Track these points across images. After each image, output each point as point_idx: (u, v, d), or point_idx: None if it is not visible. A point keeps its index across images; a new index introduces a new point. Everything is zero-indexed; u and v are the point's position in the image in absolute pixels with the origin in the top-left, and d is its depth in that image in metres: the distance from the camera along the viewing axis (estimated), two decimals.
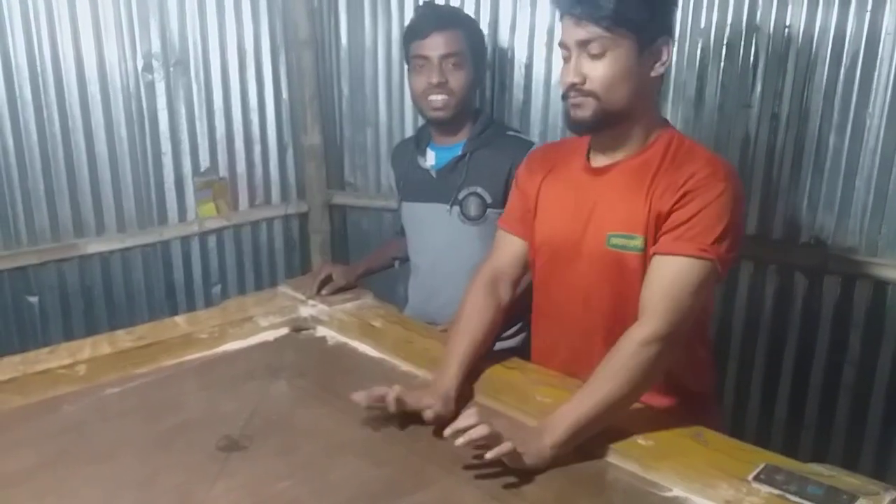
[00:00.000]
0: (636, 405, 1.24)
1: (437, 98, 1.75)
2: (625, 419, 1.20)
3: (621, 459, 1.13)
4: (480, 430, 1.07)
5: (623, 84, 1.23)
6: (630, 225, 1.27)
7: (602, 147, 1.34)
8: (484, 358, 1.41)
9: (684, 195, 1.22)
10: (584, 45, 1.22)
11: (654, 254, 1.24)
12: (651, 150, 1.29)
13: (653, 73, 1.26)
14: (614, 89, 1.23)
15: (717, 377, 1.44)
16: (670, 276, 1.20)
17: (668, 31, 1.27)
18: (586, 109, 1.25)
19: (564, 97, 1.28)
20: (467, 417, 1.10)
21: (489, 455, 1.06)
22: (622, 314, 1.29)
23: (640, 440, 1.16)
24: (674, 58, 1.62)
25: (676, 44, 1.82)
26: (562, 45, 1.27)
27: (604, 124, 1.27)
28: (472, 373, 1.36)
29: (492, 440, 1.07)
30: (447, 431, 1.10)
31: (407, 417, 1.23)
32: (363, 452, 1.16)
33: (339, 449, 1.17)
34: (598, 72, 1.22)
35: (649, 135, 1.30)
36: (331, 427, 1.24)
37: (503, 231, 1.50)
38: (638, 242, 1.26)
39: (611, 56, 1.21)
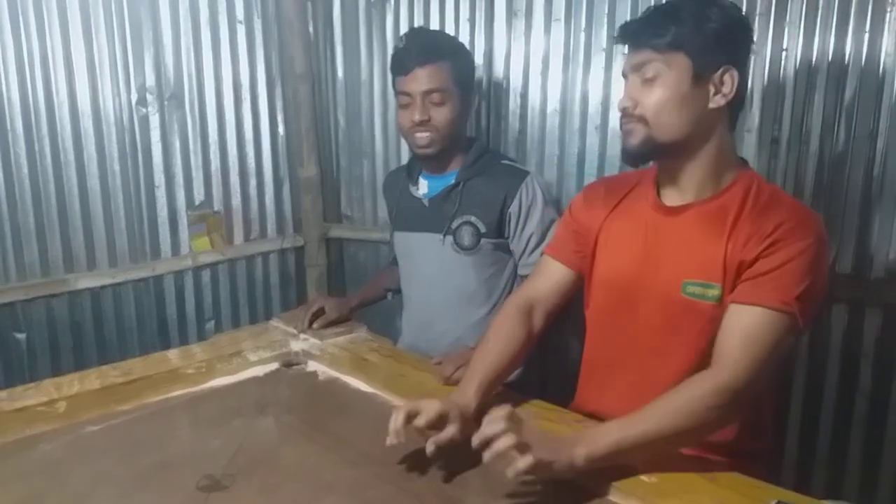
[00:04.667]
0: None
1: (423, 136, 1.72)
2: None
3: (624, 497, 1.07)
4: (507, 441, 1.01)
5: (675, 111, 1.18)
6: (707, 273, 1.20)
7: (670, 184, 1.28)
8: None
9: (772, 244, 1.15)
10: (638, 69, 1.21)
11: (732, 302, 1.17)
12: (729, 193, 1.23)
13: (711, 105, 1.20)
14: (664, 115, 1.19)
15: (775, 439, 1.36)
16: (750, 327, 1.13)
17: (732, 60, 1.20)
18: (635, 136, 1.22)
19: (621, 126, 1.25)
20: (493, 423, 1.03)
21: (511, 471, 0.99)
22: (686, 364, 1.22)
23: (644, 477, 1.10)
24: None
25: None
26: (623, 75, 1.26)
27: (654, 155, 1.24)
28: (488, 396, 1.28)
29: (519, 450, 1.01)
30: (475, 441, 1.03)
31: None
32: (350, 492, 1.09)
33: (325, 489, 1.10)
34: (648, 96, 1.19)
35: (723, 174, 1.24)
36: (317, 465, 1.18)
37: (549, 258, 1.44)
38: (715, 292, 1.20)
39: (662, 81, 1.18)
